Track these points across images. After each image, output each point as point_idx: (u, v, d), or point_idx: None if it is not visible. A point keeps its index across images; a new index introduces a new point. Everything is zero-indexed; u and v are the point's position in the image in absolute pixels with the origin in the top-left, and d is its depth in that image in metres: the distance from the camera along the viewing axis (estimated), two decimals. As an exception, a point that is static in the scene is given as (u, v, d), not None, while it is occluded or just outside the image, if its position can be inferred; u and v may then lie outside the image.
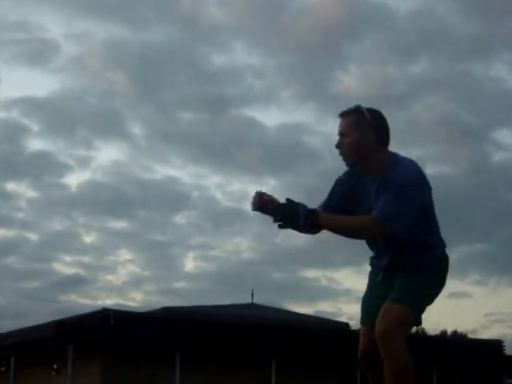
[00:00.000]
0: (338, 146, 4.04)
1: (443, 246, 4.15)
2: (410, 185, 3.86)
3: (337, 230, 3.99)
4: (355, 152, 3.98)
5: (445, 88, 52.64)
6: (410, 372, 3.92)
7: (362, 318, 4.29)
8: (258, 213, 3.92)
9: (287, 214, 3.86)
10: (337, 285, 69.87)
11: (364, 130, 3.94)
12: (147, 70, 51.02)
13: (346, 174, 4.15)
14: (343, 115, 4.03)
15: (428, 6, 51.83)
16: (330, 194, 4.18)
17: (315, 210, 3.98)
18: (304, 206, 3.90)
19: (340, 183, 4.16)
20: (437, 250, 4.11)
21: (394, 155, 4.01)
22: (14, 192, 54.98)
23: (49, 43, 50.28)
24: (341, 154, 4.03)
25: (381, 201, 3.89)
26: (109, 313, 20.09)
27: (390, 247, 4.09)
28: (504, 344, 26.60)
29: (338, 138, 4.05)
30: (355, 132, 3.95)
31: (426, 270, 4.05)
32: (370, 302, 4.23)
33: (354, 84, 52.63)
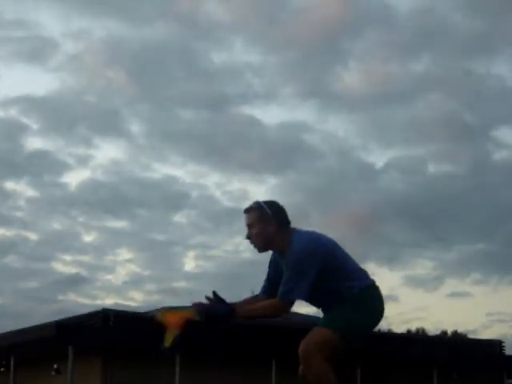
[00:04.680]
0: (247, 237, 4.71)
1: (361, 283, 4.69)
2: (299, 263, 4.54)
3: (254, 317, 4.77)
4: (261, 241, 4.69)
5: (446, 86, 52.57)
6: None
7: None
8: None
9: (208, 319, 4.44)
10: (337, 285, 69.80)
11: (265, 222, 4.64)
12: (146, 68, 51.05)
13: (272, 254, 4.85)
14: (247, 211, 4.69)
15: (429, 3, 51.83)
16: (268, 272, 4.88)
17: (233, 309, 4.51)
18: (224, 307, 4.47)
19: (270, 263, 4.88)
20: (355, 289, 4.66)
21: (293, 234, 4.65)
22: (13, 191, 54.77)
23: (47, 41, 50.17)
24: (251, 243, 4.72)
25: (282, 280, 4.59)
26: (109, 313, 20.11)
27: (317, 301, 4.80)
28: (504, 344, 26.62)
29: (246, 230, 4.69)
30: (258, 225, 4.65)
31: (351, 303, 4.64)
32: None
33: (355, 82, 52.59)
